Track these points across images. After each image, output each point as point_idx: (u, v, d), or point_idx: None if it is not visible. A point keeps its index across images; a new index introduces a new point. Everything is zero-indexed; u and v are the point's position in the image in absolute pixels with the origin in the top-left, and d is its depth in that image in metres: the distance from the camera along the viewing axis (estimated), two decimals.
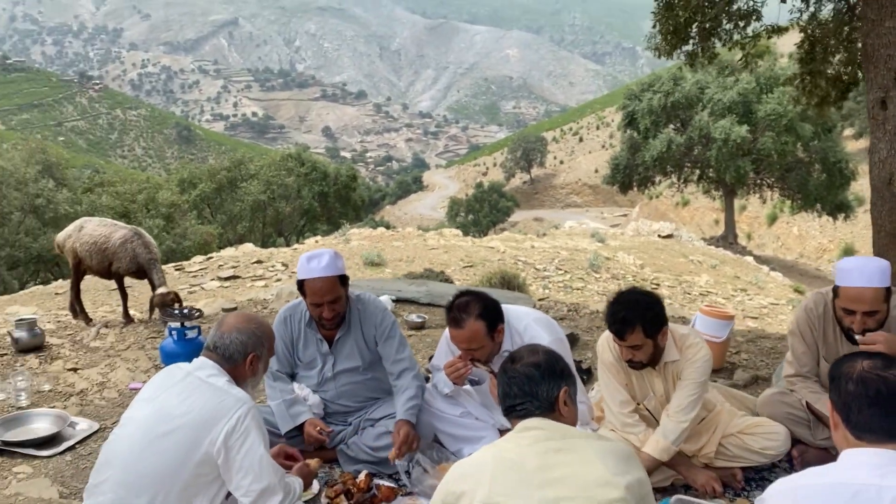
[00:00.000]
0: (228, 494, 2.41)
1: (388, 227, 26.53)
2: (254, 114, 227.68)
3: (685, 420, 2.81)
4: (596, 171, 60.22)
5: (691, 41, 7.17)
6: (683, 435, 2.82)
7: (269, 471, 2.33)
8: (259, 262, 12.45)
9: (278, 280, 10.41)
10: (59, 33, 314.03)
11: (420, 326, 5.25)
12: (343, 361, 3.32)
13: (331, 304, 3.10)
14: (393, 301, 5.82)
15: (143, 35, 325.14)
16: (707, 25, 6.96)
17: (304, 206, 30.05)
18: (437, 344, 3.50)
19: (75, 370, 4.30)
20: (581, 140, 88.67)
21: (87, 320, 5.37)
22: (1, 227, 20.99)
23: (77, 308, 5.46)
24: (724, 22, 7.02)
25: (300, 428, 3.16)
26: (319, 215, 31.06)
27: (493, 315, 2.94)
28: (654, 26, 7.14)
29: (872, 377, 1.72)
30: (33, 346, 4.61)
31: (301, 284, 3.12)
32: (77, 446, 3.35)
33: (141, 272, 5.24)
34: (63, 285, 10.77)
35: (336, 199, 31.11)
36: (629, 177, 28.34)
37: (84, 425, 3.54)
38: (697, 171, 27.30)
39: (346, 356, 3.32)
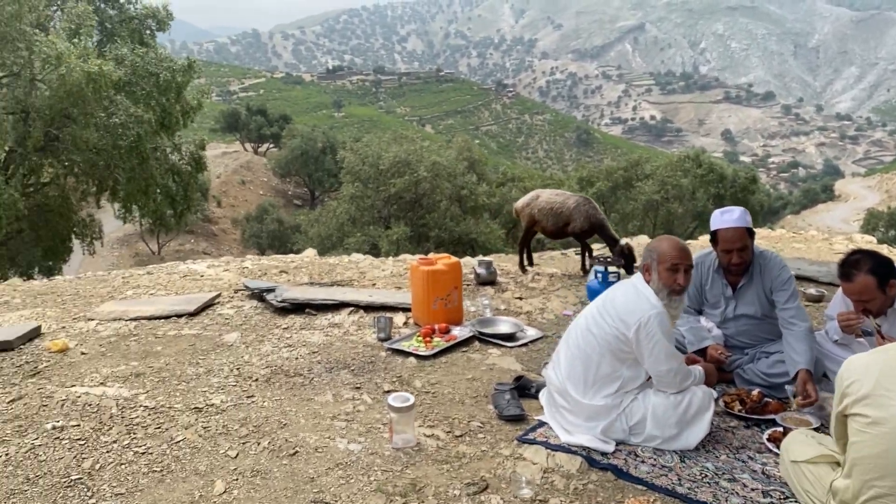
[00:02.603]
0: (649, 378, 3.27)
1: None
2: (652, 117, 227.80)
3: None
4: None
5: None
6: None
7: (671, 359, 3.13)
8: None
9: None
10: (482, 46, 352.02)
11: (818, 299, 5.55)
12: (743, 306, 3.93)
13: (739, 252, 3.73)
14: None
15: (555, 44, 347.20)
16: None
17: (697, 208, 29.79)
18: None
19: (521, 299, 5.62)
20: None
21: (531, 263, 6.71)
22: (432, 212, 25.10)
23: (524, 261, 6.72)
24: None
25: (703, 351, 3.87)
26: None
27: (884, 270, 3.26)
28: None
29: None
30: (490, 280, 6.07)
31: (714, 234, 3.82)
32: (529, 344, 4.56)
33: (590, 231, 6.27)
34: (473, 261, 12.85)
35: (732, 203, 30.19)
36: None
37: (532, 332, 4.73)
38: None
39: (747, 302, 3.91)
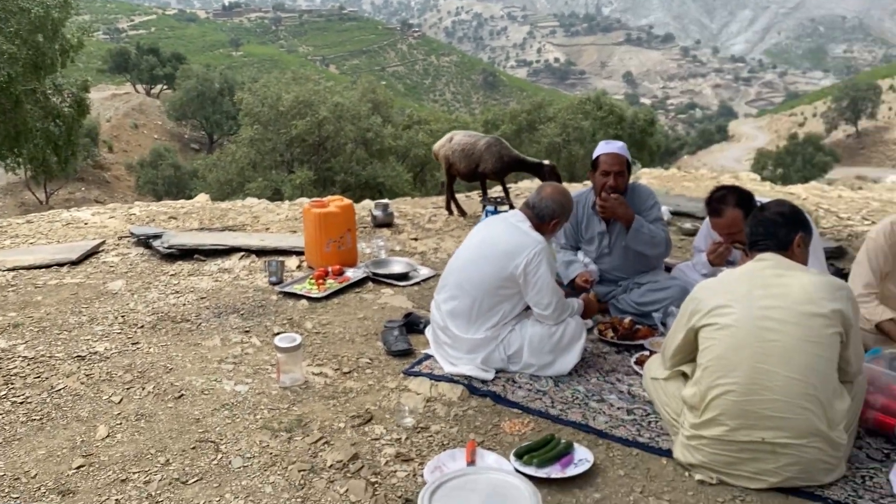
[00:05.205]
0: (526, 308, 3.42)
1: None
2: (556, 59, 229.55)
3: None
4: None
5: None
6: None
7: (553, 292, 3.29)
8: None
9: None
10: None
11: (692, 233, 5.86)
12: (617, 239, 4.13)
13: (616, 175, 3.92)
14: (671, 213, 6.47)
15: None
16: None
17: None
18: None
19: (416, 239, 5.71)
20: None
21: (462, 213, 6.56)
22: (337, 156, 24.67)
23: (451, 205, 6.62)
24: None
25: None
26: None
27: (748, 203, 3.52)
28: None
29: None
30: (386, 222, 6.11)
31: (596, 160, 4.01)
32: (421, 283, 4.66)
33: (504, 170, 6.19)
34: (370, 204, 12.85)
35: (631, 144, 30.87)
36: None
37: (425, 271, 4.84)
38: None
39: (620, 234, 4.11)
